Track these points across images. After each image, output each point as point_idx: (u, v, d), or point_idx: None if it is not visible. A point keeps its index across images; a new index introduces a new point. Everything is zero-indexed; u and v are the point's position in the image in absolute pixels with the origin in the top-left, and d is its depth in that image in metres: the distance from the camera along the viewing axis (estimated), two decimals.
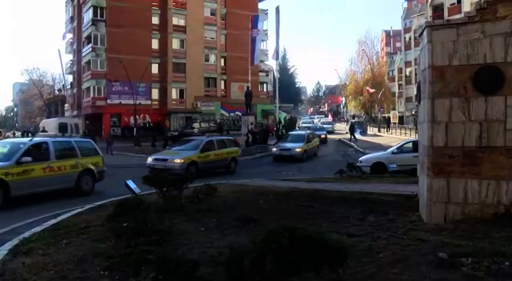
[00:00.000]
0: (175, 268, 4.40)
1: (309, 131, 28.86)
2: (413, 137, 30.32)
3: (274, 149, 24.57)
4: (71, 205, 10.46)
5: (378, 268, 4.59)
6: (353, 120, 50.51)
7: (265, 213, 8.03)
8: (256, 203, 9.12)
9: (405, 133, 41.44)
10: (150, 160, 17.72)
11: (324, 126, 47.40)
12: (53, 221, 8.22)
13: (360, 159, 18.21)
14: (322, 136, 34.46)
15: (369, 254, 5.09)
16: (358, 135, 38.44)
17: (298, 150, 23.48)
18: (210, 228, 6.98)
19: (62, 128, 31.32)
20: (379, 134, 47.47)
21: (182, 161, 16.75)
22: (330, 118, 72.58)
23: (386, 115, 63.86)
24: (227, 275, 4.02)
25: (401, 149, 17.25)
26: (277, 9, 35.91)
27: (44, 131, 28.79)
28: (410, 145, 17.53)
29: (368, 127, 53.93)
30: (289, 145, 24.46)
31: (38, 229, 7.52)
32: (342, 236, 5.99)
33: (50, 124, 32.58)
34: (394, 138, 40.10)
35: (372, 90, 63.05)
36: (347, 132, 39.66)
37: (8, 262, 5.62)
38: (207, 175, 15.54)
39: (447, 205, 6.69)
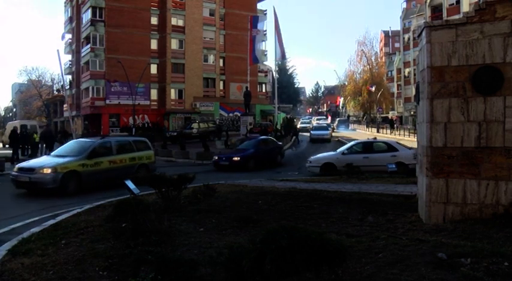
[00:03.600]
0: (175, 268, 4.40)
1: None
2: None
3: (216, 157, 20.62)
4: (71, 205, 10.44)
5: (377, 268, 4.58)
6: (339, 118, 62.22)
7: (265, 213, 8.03)
8: (255, 204, 9.12)
9: (408, 134, 40.09)
10: (14, 169, 13.43)
11: (316, 132, 39.33)
12: (52, 221, 8.21)
13: (309, 159, 17.99)
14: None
15: (368, 254, 5.09)
16: (342, 131, 49.54)
17: (235, 159, 19.73)
18: (209, 228, 6.98)
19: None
20: (361, 131, 55.26)
21: (54, 171, 12.33)
22: (329, 120, 65.07)
23: (390, 116, 63.39)
24: (226, 276, 4.02)
25: (351, 150, 17.17)
26: (274, 9, 35.93)
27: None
28: (360, 146, 17.68)
29: (351, 124, 64.71)
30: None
31: (36, 229, 7.51)
32: (341, 236, 6.00)
33: (12, 125, 38.55)
34: (391, 138, 40.14)
35: (373, 88, 63.04)
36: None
37: (7, 262, 5.61)
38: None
39: (446, 206, 6.70)
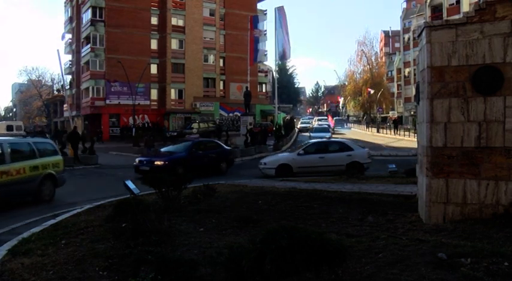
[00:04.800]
0: (175, 268, 4.41)
1: None
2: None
3: (137, 160, 17.56)
4: (70, 206, 10.45)
5: (377, 268, 4.58)
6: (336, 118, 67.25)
7: (265, 213, 8.04)
8: (255, 204, 9.12)
9: (408, 134, 39.93)
10: None
11: (316, 134, 34.05)
12: (52, 221, 8.21)
13: (263, 161, 17.28)
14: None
15: (368, 254, 5.09)
16: (339, 130, 52.02)
17: (157, 163, 16.52)
18: (209, 228, 6.99)
19: (9, 128, 40.64)
20: (356, 130, 58.80)
21: None
22: (329, 120, 61.31)
23: (390, 116, 63.13)
24: (226, 276, 4.02)
25: (306, 151, 16.91)
26: (282, 8, 35.48)
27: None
28: (316, 146, 17.51)
29: (347, 124, 71.42)
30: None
31: (36, 229, 7.51)
32: (341, 236, 6.00)
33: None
34: (391, 138, 40.17)
35: (372, 91, 63.09)
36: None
37: (7, 262, 5.61)
38: None
39: (446, 206, 6.69)
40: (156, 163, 16.34)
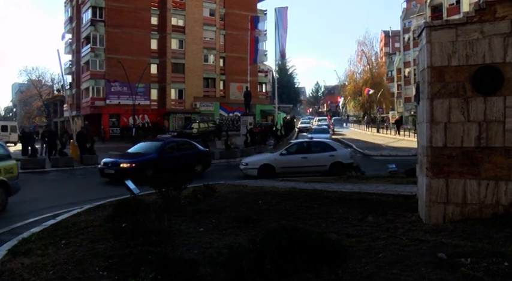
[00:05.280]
0: (175, 268, 4.41)
1: None
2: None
3: (102, 163, 16.14)
4: (70, 205, 10.44)
5: (377, 268, 4.58)
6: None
7: (265, 213, 8.03)
8: (255, 204, 9.12)
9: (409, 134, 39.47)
10: None
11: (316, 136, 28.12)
12: (52, 221, 8.21)
13: (244, 161, 17.06)
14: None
15: (368, 254, 5.09)
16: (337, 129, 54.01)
17: (124, 166, 15.09)
18: (209, 228, 6.98)
19: (3, 128, 39.97)
20: (355, 129, 60.77)
21: None
22: (327, 120, 63.98)
23: (390, 116, 62.83)
24: (226, 276, 4.02)
25: (289, 151, 16.78)
26: (285, 8, 35.35)
27: None
28: (299, 146, 17.39)
29: (347, 124, 74.28)
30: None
31: (36, 229, 7.51)
32: (341, 236, 6.00)
33: None
34: (391, 138, 40.16)
35: (371, 91, 63.03)
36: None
37: (7, 262, 5.61)
38: None
39: (446, 206, 6.69)
40: (122, 165, 15.03)
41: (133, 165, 15.03)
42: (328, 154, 16.48)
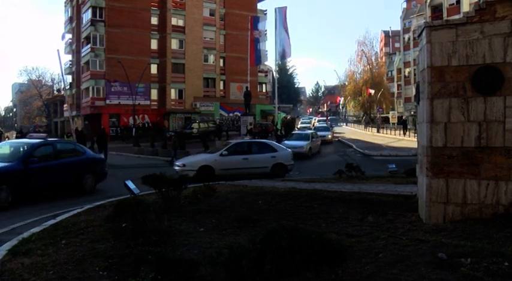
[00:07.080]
0: (175, 268, 4.40)
1: None
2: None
3: None
4: (70, 205, 10.44)
5: (377, 268, 4.58)
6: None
7: (265, 213, 8.03)
8: (255, 204, 9.12)
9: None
10: None
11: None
12: (52, 221, 8.20)
13: (181, 162, 16.02)
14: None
15: (368, 254, 5.09)
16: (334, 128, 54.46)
17: None
18: (209, 228, 6.98)
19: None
20: (356, 129, 60.74)
21: None
22: (326, 121, 64.34)
23: (391, 116, 62.26)
24: (226, 276, 4.02)
25: (230, 151, 16.04)
26: (284, 8, 35.33)
27: None
28: (240, 146, 16.90)
29: (347, 124, 75.22)
30: None
31: (37, 229, 7.50)
32: (341, 236, 6.00)
33: None
34: (391, 138, 40.12)
35: (372, 91, 63.01)
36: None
37: (7, 262, 5.60)
38: None
39: (446, 206, 6.69)
40: None
41: None
42: (270, 155, 16.13)
